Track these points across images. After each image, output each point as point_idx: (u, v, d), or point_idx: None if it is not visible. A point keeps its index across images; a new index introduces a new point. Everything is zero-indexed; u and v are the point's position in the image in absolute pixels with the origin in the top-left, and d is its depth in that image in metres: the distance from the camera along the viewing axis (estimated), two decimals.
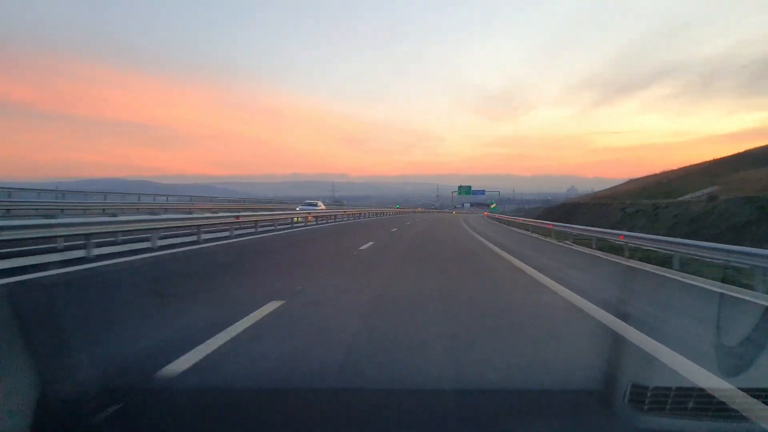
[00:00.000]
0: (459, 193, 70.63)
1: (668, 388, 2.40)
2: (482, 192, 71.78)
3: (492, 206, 58.03)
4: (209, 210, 23.65)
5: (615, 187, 55.46)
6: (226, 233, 13.63)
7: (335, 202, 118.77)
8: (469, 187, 68.99)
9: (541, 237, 19.26)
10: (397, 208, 71.85)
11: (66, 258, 7.45)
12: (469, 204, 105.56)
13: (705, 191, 24.40)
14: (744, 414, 2.27)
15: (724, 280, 7.35)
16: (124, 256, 8.20)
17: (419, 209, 77.71)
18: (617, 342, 3.90)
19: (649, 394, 2.32)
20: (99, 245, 8.49)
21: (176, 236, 11.95)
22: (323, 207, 32.46)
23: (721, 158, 39.44)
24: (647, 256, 10.76)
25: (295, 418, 2.34)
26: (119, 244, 9.72)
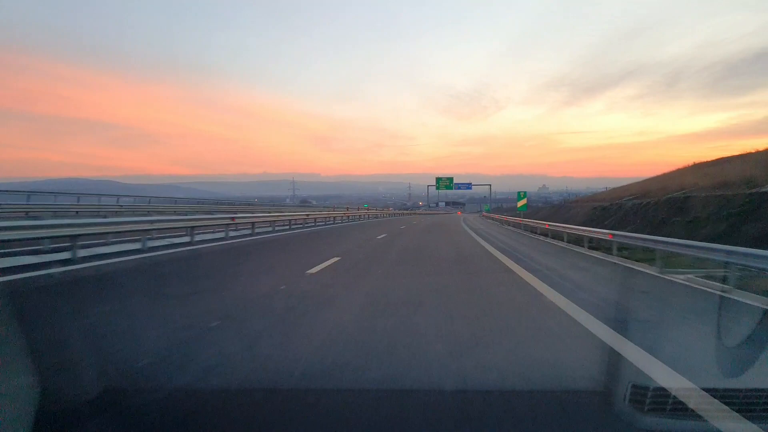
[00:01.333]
0: (437, 187, 53.16)
1: (668, 389, 2.39)
2: (469, 186, 53.18)
3: (520, 205, 41.13)
4: None
5: (628, 185, 35.62)
6: None
7: (302, 202, 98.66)
8: (451, 178, 51.91)
9: None
10: (366, 207, 55.95)
11: None
12: (444, 203, 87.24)
13: None
14: (747, 416, 2.18)
15: None
16: None
17: (363, 207, 57.28)
18: None
19: (649, 394, 2.29)
20: None
21: None
22: None
23: None
24: None
25: (294, 419, 2.27)
26: None
